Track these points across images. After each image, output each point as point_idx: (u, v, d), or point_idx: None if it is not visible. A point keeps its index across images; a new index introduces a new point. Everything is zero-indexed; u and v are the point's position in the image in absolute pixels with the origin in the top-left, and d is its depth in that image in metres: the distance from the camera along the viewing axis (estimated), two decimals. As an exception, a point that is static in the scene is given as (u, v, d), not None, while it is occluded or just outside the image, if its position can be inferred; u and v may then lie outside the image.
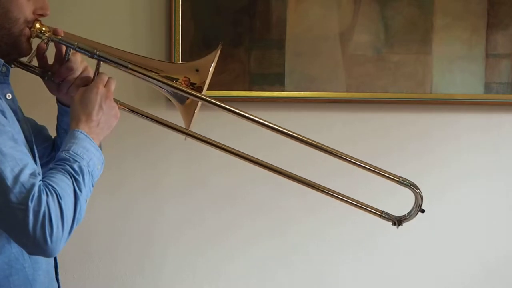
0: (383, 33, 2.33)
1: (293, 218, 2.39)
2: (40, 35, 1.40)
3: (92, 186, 1.32)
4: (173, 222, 2.36)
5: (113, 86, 1.43)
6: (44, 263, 1.41)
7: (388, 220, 1.70)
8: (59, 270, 1.49)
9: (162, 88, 1.49)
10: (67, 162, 1.29)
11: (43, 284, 1.41)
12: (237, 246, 2.39)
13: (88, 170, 1.30)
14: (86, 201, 1.30)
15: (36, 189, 1.20)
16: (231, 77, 2.27)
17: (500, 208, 2.47)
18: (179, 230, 2.37)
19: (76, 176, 1.27)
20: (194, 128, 1.54)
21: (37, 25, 1.40)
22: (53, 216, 1.20)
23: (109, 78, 1.43)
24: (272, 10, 2.29)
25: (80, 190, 1.27)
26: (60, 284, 1.50)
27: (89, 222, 2.32)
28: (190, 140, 1.58)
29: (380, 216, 1.71)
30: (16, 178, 1.20)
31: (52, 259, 1.46)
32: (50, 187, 1.22)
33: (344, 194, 1.70)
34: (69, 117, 1.51)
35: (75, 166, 1.28)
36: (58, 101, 1.53)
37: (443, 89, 2.37)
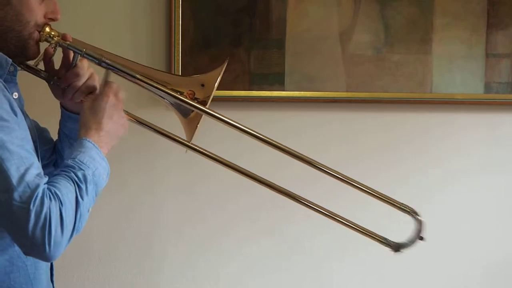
0: (383, 33, 2.33)
1: (292, 218, 2.39)
2: (49, 39, 1.40)
3: (96, 195, 1.32)
4: (173, 222, 2.36)
5: (122, 96, 1.43)
6: (44, 263, 1.41)
7: (387, 246, 1.68)
8: (54, 272, 1.49)
9: (166, 99, 1.49)
10: (72, 169, 1.28)
11: (43, 284, 1.41)
12: (237, 246, 2.39)
13: (93, 179, 1.30)
14: (88, 211, 1.29)
15: (40, 190, 1.20)
16: (231, 77, 2.27)
17: (500, 207, 2.47)
18: (179, 230, 2.36)
19: (80, 184, 1.27)
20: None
21: (47, 29, 1.39)
22: (53, 221, 1.19)
23: (118, 87, 1.43)
24: (272, 10, 2.29)
25: (82, 198, 1.26)
26: (55, 286, 1.50)
27: (89, 222, 2.32)
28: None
29: (380, 241, 1.68)
30: (22, 177, 1.19)
31: None
32: (53, 191, 1.22)
33: (344, 216, 1.69)
34: (72, 122, 1.51)
35: (80, 174, 1.28)
36: (62, 106, 1.53)
37: (443, 89, 2.37)
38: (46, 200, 1.20)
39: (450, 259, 2.46)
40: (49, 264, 1.45)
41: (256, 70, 2.30)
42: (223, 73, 2.23)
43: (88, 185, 1.28)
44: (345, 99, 2.34)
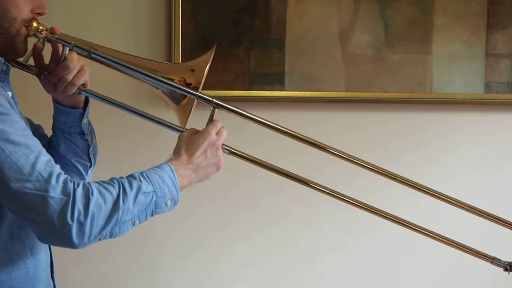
0: (383, 32, 2.34)
1: (290, 211, 2.38)
2: (38, 34, 1.39)
3: (151, 215, 1.29)
4: (171, 221, 2.35)
5: (224, 135, 1.44)
6: (43, 261, 1.42)
7: (499, 266, 1.68)
8: (54, 269, 1.49)
9: (158, 88, 1.49)
10: (129, 178, 1.28)
11: (43, 281, 1.41)
12: (234, 243, 2.39)
13: (151, 198, 1.28)
14: (133, 223, 1.27)
15: (55, 175, 1.19)
16: (231, 76, 2.27)
17: (499, 207, 2.46)
18: (178, 229, 2.36)
19: (127, 190, 1.25)
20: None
21: (34, 24, 1.38)
22: (76, 207, 1.18)
23: (222, 127, 1.44)
24: (272, 10, 2.29)
25: (124, 204, 1.23)
26: (56, 283, 1.50)
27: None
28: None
29: (491, 262, 1.69)
30: (33, 166, 1.19)
31: (48, 257, 1.45)
32: (85, 183, 1.21)
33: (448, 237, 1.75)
34: (65, 116, 1.51)
35: (134, 183, 1.26)
36: (54, 100, 1.52)
37: (443, 89, 2.37)
38: (70, 185, 1.19)
39: (451, 261, 2.46)
40: (48, 261, 1.45)
41: (256, 70, 2.30)
42: (223, 73, 2.26)
43: (139, 196, 1.25)
44: (345, 99, 2.34)
